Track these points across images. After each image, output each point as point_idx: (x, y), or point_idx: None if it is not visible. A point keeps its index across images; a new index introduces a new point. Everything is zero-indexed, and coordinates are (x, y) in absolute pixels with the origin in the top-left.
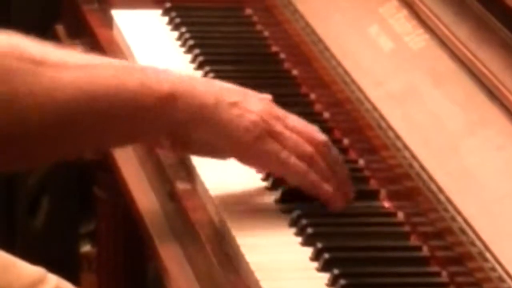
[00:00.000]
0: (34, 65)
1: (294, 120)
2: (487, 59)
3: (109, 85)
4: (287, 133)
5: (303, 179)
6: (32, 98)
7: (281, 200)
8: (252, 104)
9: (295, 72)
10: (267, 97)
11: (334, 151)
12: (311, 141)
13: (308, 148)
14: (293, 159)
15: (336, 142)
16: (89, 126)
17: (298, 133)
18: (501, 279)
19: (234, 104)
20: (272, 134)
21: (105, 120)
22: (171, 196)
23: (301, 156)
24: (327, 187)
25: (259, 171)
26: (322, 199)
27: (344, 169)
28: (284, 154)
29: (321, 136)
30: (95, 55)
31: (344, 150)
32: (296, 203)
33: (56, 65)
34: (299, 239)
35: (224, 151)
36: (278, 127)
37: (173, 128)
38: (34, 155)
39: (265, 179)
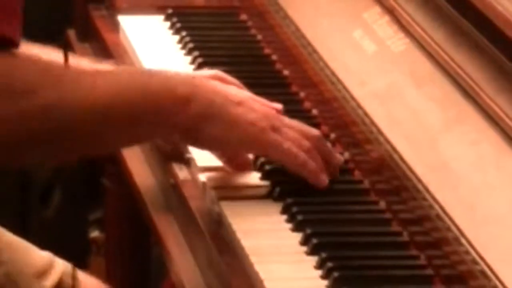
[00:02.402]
0: (75, 73)
1: (291, 120)
2: (462, 61)
3: (137, 88)
4: (286, 129)
5: (303, 168)
6: (76, 102)
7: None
8: (255, 105)
9: (286, 72)
10: (269, 103)
11: (327, 144)
12: (307, 136)
13: (306, 142)
14: (295, 149)
15: (324, 136)
16: (121, 125)
17: (295, 129)
18: (475, 262)
19: (240, 103)
20: (274, 129)
21: (134, 119)
22: (173, 186)
23: (300, 148)
24: (323, 177)
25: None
26: (318, 188)
27: (336, 159)
28: (286, 144)
29: (316, 131)
30: (114, 63)
31: (331, 144)
32: (287, 191)
33: (91, 73)
34: (289, 225)
35: (232, 144)
36: (278, 123)
37: (188, 125)
38: (73, 152)
39: (259, 169)
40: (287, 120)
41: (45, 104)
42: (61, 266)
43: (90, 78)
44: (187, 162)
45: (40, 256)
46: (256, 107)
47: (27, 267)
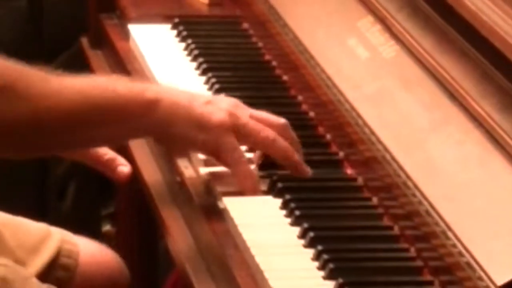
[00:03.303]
0: (44, 76)
1: (258, 112)
2: (449, 66)
3: (105, 90)
4: (252, 122)
5: (243, 179)
6: (43, 99)
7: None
8: (222, 102)
9: (285, 77)
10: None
11: (292, 133)
12: (272, 125)
13: (271, 132)
14: (244, 159)
15: (320, 137)
16: (89, 126)
17: (261, 121)
18: (461, 254)
19: (206, 102)
20: (239, 127)
21: (101, 120)
22: (179, 183)
23: (265, 138)
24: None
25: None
26: (299, 171)
27: (299, 147)
28: (238, 153)
29: (282, 120)
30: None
31: (327, 144)
32: (286, 188)
33: (59, 77)
34: (288, 220)
35: (197, 145)
36: (244, 119)
37: (156, 127)
38: (42, 147)
39: (260, 168)
40: (255, 113)
41: (14, 98)
42: (58, 234)
43: (58, 78)
44: (193, 160)
45: (36, 227)
46: (223, 105)
47: (25, 237)
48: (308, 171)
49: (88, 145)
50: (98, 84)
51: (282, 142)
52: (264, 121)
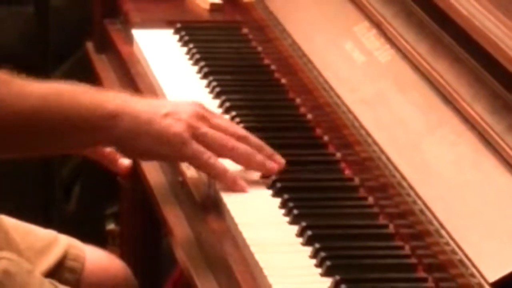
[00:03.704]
0: (5, 79)
1: (219, 120)
2: (442, 70)
3: (67, 98)
4: (211, 132)
5: (222, 177)
6: (3, 103)
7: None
8: (182, 113)
9: (283, 80)
10: (198, 103)
11: (255, 140)
12: (233, 134)
13: (230, 140)
14: (213, 159)
15: (318, 138)
16: (48, 130)
17: (222, 130)
18: (454, 252)
19: (165, 115)
20: (199, 137)
21: (60, 127)
22: (181, 183)
23: (224, 146)
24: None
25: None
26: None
27: (267, 149)
28: (206, 155)
29: (241, 131)
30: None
31: (324, 145)
32: (285, 188)
33: (22, 81)
34: (287, 218)
35: (161, 156)
36: (203, 129)
37: (116, 139)
38: (5, 149)
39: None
40: (215, 120)
41: None
42: (65, 240)
43: (22, 82)
44: None
45: (44, 233)
46: (183, 116)
47: (34, 241)
48: (274, 166)
49: (54, 150)
50: (61, 91)
51: (241, 148)
52: (225, 130)
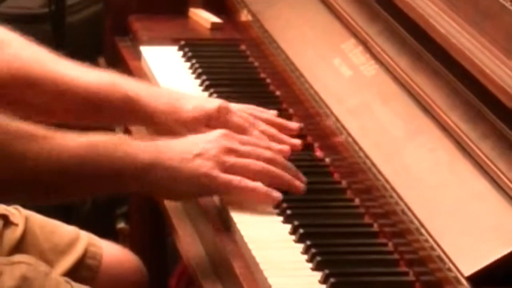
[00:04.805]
0: (44, 135)
1: (247, 146)
2: (422, 83)
3: (100, 151)
4: (238, 161)
5: (256, 194)
6: (41, 158)
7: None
8: (211, 150)
9: (278, 93)
10: (225, 132)
11: (282, 160)
12: (258, 157)
13: (257, 165)
14: (243, 182)
15: (309, 145)
16: (83, 183)
17: (250, 156)
18: (433, 248)
19: (196, 156)
20: (227, 169)
21: (96, 180)
22: None
23: (253, 172)
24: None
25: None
26: (296, 190)
27: (292, 169)
28: (235, 181)
29: (268, 153)
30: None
31: (314, 151)
32: (279, 190)
33: (59, 135)
34: (281, 218)
35: (194, 195)
36: (231, 161)
37: (150, 189)
38: (40, 199)
39: None
40: (242, 149)
41: (8, 159)
42: (86, 237)
43: (55, 137)
44: None
45: (67, 230)
46: (212, 153)
47: (57, 240)
48: (300, 185)
49: (87, 197)
50: (96, 143)
51: (270, 171)
52: (252, 155)
